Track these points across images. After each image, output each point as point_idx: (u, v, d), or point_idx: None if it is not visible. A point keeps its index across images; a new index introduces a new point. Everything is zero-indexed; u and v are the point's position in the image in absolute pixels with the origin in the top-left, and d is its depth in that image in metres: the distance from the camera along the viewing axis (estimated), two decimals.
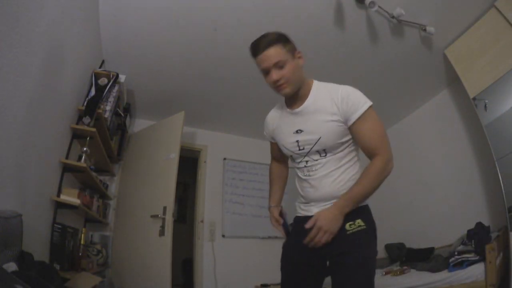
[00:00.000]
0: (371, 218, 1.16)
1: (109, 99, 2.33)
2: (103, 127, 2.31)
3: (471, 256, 2.10)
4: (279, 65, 1.10)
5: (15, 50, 1.18)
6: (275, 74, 1.10)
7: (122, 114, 2.97)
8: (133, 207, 2.91)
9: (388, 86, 3.18)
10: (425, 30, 2.38)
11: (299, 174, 1.28)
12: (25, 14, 1.22)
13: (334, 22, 2.32)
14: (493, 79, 2.21)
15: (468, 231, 2.37)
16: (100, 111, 2.15)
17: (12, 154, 1.26)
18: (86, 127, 2.06)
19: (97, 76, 2.29)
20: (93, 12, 2.10)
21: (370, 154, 1.13)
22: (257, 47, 1.11)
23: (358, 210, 1.11)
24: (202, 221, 3.54)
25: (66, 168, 2.00)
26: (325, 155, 1.16)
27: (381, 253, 3.63)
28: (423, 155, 3.45)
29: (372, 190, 1.11)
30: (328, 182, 1.15)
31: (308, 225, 1.09)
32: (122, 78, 2.43)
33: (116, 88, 2.39)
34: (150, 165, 2.94)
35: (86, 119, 2.06)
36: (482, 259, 2.02)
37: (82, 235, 2.26)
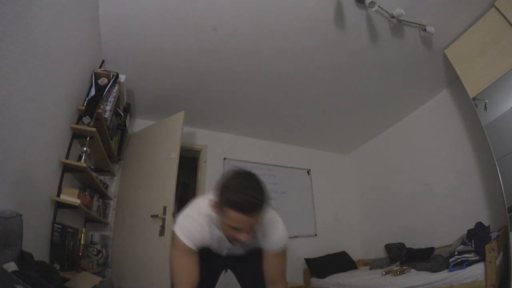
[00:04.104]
0: None
1: (109, 99, 2.33)
2: (103, 127, 2.31)
3: (471, 256, 2.10)
4: (252, 229, 1.06)
5: (15, 50, 1.18)
6: (244, 237, 1.06)
7: (122, 114, 2.97)
8: (133, 207, 2.91)
9: (388, 86, 3.18)
10: (425, 30, 2.38)
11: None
12: (25, 14, 1.22)
13: (334, 22, 2.32)
14: (493, 79, 2.21)
15: (468, 231, 2.37)
16: (100, 111, 2.15)
17: (12, 154, 1.26)
18: (86, 127, 2.06)
19: (97, 76, 2.29)
20: (93, 12, 2.10)
21: (270, 281, 1.32)
22: (252, 208, 0.99)
23: None
24: None
25: (66, 168, 2.00)
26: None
27: (381, 253, 3.63)
28: (423, 155, 3.45)
29: None
30: None
31: None
32: (122, 78, 2.44)
33: (116, 88, 2.39)
34: (150, 165, 2.93)
35: (86, 119, 2.06)
36: (482, 259, 2.01)
37: (82, 235, 2.26)
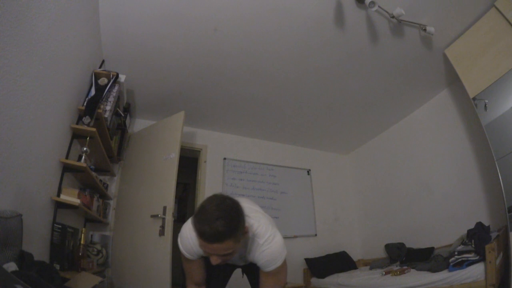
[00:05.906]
0: None
1: (109, 99, 2.33)
2: (103, 127, 2.31)
3: (471, 256, 2.10)
4: (224, 253, 1.06)
5: (15, 50, 1.18)
6: (215, 260, 1.07)
7: (122, 114, 2.97)
8: (133, 207, 2.91)
9: (388, 86, 3.18)
10: (425, 30, 2.38)
11: None
12: (25, 14, 1.22)
13: (334, 22, 2.32)
14: (493, 79, 2.21)
15: (468, 231, 2.38)
16: (100, 111, 2.15)
17: (12, 154, 1.26)
18: (86, 127, 2.06)
19: (97, 76, 2.29)
20: (93, 12, 2.10)
21: None
22: (213, 239, 0.99)
23: None
24: None
25: (66, 168, 1.99)
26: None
27: (381, 253, 3.63)
28: (423, 155, 3.45)
29: None
30: None
31: None
32: (122, 78, 2.44)
33: (116, 88, 2.39)
34: (150, 165, 2.93)
35: (86, 119, 2.06)
36: (482, 259, 2.02)
37: (82, 235, 2.26)
